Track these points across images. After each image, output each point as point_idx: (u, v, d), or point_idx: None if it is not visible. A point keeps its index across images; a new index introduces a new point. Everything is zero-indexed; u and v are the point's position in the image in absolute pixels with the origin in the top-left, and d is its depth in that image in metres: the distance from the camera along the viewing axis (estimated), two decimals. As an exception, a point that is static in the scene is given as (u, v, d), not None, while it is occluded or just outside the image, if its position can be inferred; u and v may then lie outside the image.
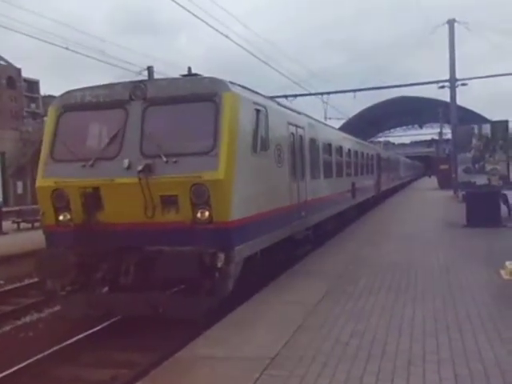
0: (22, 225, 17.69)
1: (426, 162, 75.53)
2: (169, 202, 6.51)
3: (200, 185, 6.33)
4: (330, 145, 13.13)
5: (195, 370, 4.46)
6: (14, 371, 5.76)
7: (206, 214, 6.37)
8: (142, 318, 6.65)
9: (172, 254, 6.19)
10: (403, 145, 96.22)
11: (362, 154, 19.13)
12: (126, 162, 6.52)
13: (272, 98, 20.57)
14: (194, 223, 6.39)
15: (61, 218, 6.92)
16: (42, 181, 7.08)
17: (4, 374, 5.66)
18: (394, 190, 33.17)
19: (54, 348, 6.42)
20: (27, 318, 8.62)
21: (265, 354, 4.66)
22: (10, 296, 10.12)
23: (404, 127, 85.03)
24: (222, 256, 6.25)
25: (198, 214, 6.38)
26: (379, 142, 74.02)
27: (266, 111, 7.83)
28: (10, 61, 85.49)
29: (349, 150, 16.06)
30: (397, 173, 36.72)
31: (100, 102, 7.08)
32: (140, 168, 6.40)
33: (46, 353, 6.28)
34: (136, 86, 6.96)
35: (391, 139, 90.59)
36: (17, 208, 22.05)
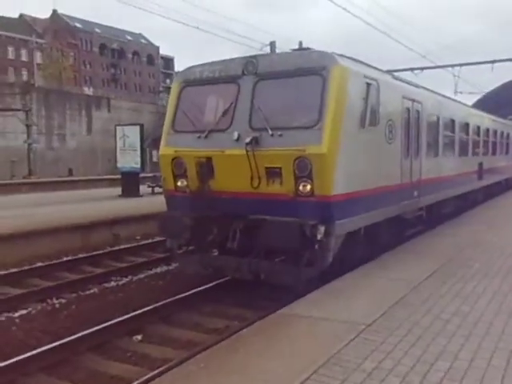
0: (156, 189, 19.70)
1: None
2: (273, 173, 6.69)
3: (303, 158, 6.42)
4: (453, 121, 12.28)
5: (294, 326, 4.85)
6: (143, 312, 6.73)
7: (308, 187, 6.48)
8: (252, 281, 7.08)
9: (274, 223, 6.42)
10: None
11: (495, 132, 17.44)
12: (235, 135, 6.78)
13: (395, 71, 19.65)
14: (296, 195, 6.54)
15: (179, 183, 7.47)
16: (165, 149, 7.63)
17: (133, 314, 6.64)
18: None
19: (178, 296, 7.32)
20: (158, 269, 9.83)
21: (361, 321, 4.86)
22: (144, 249, 11.57)
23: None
24: (322, 228, 6.37)
25: (300, 187, 6.51)
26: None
27: (378, 85, 7.59)
28: (150, 39, 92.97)
29: (477, 127, 14.82)
30: None
31: (216, 77, 7.41)
32: (247, 140, 6.62)
33: (171, 299, 7.23)
34: (248, 61, 7.15)
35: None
36: (152, 174, 24.56)
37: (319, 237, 6.37)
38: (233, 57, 7.48)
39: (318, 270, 6.70)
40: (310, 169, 6.42)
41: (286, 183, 6.60)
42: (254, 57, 7.26)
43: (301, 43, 8.62)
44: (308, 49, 7.69)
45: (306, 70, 6.74)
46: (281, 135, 6.57)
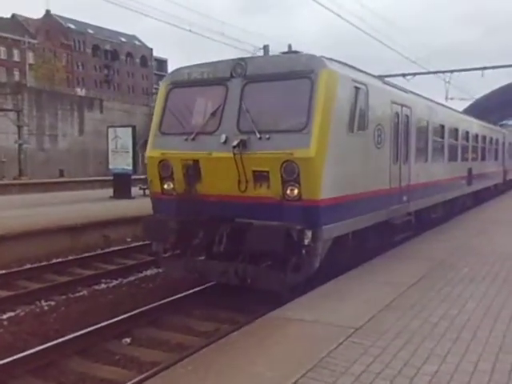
0: (148, 191, 19.59)
1: None
2: (261, 177, 6.63)
3: (290, 162, 6.35)
4: (442, 126, 12.29)
5: (284, 329, 4.87)
6: (132, 315, 6.69)
7: (295, 191, 6.41)
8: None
9: (260, 227, 6.35)
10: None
11: (484, 137, 17.57)
12: (223, 137, 6.70)
13: (387, 76, 19.78)
14: (283, 199, 6.47)
15: (165, 186, 7.37)
16: (151, 152, 7.54)
17: (122, 317, 6.60)
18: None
19: (168, 299, 7.29)
20: (148, 272, 9.79)
21: (350, 324, 4.88)
22: (134, 252, 11.52)
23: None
24: (309, 233, 6.29)
25: (288, 191, 6.45)
26: (512, 126, 66.67)
27: (367, 89, 7.54)
28: (144, 41, 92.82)
29: (466, 132, 14.90)
30: None
31: (204, 79, 7.33)
32: (235, 143, 6.53)
33: (161, 302, 7.20)
34: (237, 63, 7.06)
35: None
36: (144, 176, 24.48)
37: (306, 242, 6.30)
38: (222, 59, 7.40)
39: (304, 276, 6.61)
40: (297, 173, 6.37)
41: (274, 187, 6.55)
42: (243, 59, 7.17)
43: (290, 46, 8.47)
44: (297, 52, 7.61)
45: (294, 73, 6.67)
46: (268, 138, 6.51)
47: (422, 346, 4.40)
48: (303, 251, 6.36)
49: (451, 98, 26.54)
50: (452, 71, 23.86)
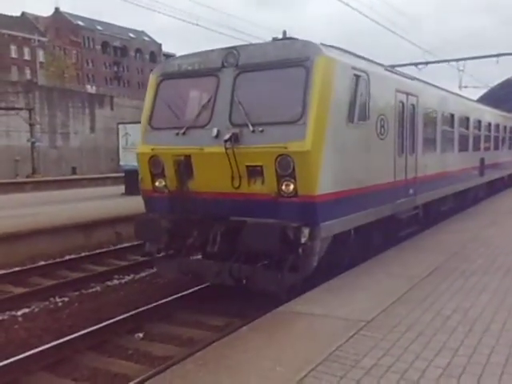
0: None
1: None
2: (255, 172, 6.28)
3: (285, 156, 5.99)
4: (452, 115, 11.85)
5: (294, 323, 4.86)
6: (144, 310, 6.77)
7: (291, 186, 6.06)
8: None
9: (254, 225, 6.03)
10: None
11: (498, 126, 17.17)
12: (214, 131, 6.38)
13: (399, 66, 19.37)
14: (278, 196, 6.14)
15: (157, 184, 7.06)
16: (142, 147, 7.22)
17: (134, 312, 6.68)
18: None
19: (180, 294, 7.36)
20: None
21: (361, 317, 4.86)
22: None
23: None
24: (306, 231, 5.97)
25: (283, 187, 6.11)
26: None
27: (368, 77, 7.14)
28: (152, 37, 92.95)
29: (478, 121, 14.50)
30: None
31: (195, 70, 6.96)
32: (226, 137, 6.18)
33: (173, 297, 7.27)
34: (229, 52, 6.67)
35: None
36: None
37: (303, 240, 5.98)
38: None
39: (302, 276, 6.31)
40: (292, 167, 6.00)
41: (268, 183, 6.21)
42: (235, 47, 6.76)
43: (285, 32, 7.87)
44: (292, 38, 7.18)
45: (288, 61, 6.29)
46: (262, 131, 6.14)
47: (434, 338, 4.36)
48: (300, 250, 6.05)
49: (465, 87, 26.09)
50: (466, 59, 23.41)
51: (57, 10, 79.51)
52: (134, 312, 6.66)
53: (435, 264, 7.10)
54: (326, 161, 6.17)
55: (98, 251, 11.03)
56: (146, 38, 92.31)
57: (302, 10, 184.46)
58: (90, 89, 63.54)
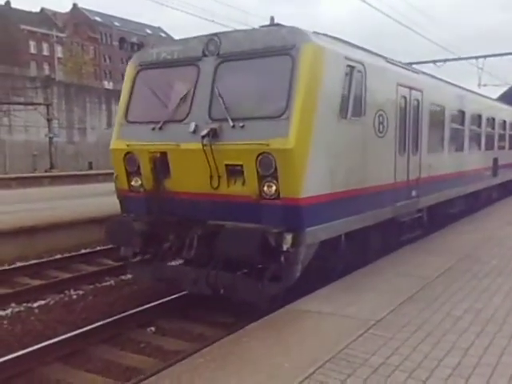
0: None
1: None
2: (234, 172, 5.80)
3: (266, 154, 5.49)
4: (462, 112, 11.18)
5: (302, 321, 4.89)
6: (156, 304, 6.85)
7: (273, 188, 5.56)
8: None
9: (232, 230, 5.60)
10: None
11: None
12: (192, 126, 5.88)
13: (417, 63, 18.95)
14: (260, 198, 5.66)
15: (133, 182, 6.60)
16: (116, 143, 6.71)
17: (147, 306, 6.75)
18: None
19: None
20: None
21: (370, 316, 4.86)
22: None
23: None
24: (288, 237, 5.50)
25: (265, 188, 5.62)
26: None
27: (364, 68, 6.57)
28: (169, 33, 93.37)
29: (492, 118, 13.85)
30: None
31: (174, 59, 6.47)
32: (204, 133, 5.69)
33: (183, 292, 7.29)
34: (210, 39, 6.18)
35: None
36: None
37: (285, 247, 5.51)
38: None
39: (284, 285, 5.82)
40: (274, 166, 5.50)
41: (249, 183, 5.71)
42: (216, 34, 6.25)
43: (272, 18, 7.18)
44: (279, 25, 6.66)
45: (273, 50, 5.76)
46: (243, 127, 5.64)
47: (444, 338, 4.35)
48: (282, 258, 5.58)
49: (484, 85, 25.60)
50: (485, 56, 22.98)
51: (75, 5, 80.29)
52: (146, 306, 6.73)
53: (448, 264, 7.06)
54: (312, 160, 5.66)
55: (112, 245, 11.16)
56: (163, 34, 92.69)
57: (320, 7, 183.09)
58: (107, 85, 64.12)
